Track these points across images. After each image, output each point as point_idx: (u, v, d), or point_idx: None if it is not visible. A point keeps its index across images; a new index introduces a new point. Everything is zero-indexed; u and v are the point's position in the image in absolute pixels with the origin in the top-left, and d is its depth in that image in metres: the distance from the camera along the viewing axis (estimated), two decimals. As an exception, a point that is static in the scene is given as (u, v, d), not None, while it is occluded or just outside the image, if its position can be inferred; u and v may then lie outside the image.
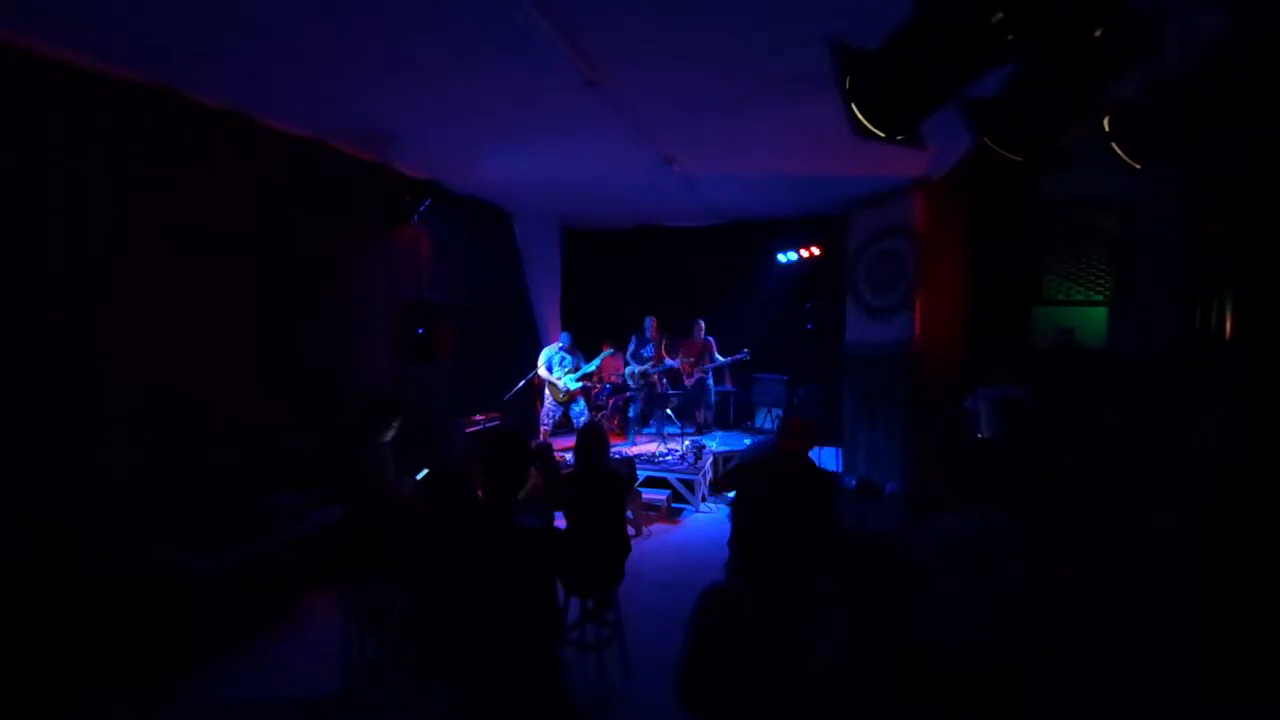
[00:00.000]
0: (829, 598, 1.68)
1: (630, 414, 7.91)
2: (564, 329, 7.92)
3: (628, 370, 7.81)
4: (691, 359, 7.91)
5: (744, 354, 7.68)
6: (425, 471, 4.58)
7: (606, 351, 7.61)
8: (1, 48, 3.13)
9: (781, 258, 8.72)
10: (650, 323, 7.87)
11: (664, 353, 7.81)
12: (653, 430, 7.95)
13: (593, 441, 3.41)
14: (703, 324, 8.02)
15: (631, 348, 7.89)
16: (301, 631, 3.91)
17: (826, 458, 7.34)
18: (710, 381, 8.05)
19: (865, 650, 1.71)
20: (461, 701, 1.97)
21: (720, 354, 7.87)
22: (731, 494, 6.92)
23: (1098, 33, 1.94)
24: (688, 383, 7.98)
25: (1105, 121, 2.53)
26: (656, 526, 6.12)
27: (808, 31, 3.03)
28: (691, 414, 8.20)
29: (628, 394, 7.95)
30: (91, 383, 3.53)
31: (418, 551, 2.78)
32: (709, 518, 6.44)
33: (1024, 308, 7.14)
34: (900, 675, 2.15)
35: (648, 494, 6.42)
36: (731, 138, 4.98)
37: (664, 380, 7.97)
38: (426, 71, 3.69)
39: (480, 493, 2.18)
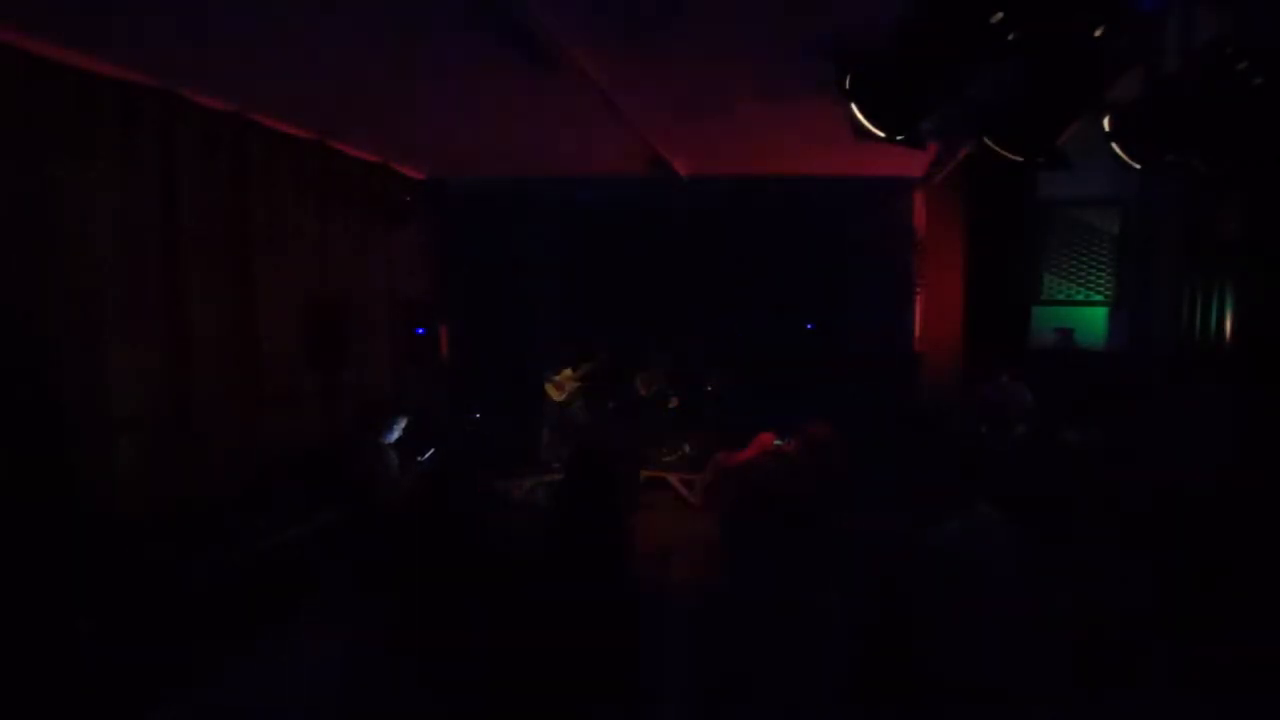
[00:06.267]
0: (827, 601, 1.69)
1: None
2: (562, 326, 7.79)
3: (638, 379, 7.67)
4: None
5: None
6: (430, 452, 4.59)
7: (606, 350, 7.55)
8: (1, 48, 3.12)
9: (780, 257, 8.70)
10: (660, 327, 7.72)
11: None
12: None
13: (593, 441, 3.40)
14: None
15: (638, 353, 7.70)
16: (301, 631, 3.89)
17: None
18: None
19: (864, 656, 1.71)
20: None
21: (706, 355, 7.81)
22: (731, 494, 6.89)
23: (1098, 33, 1.94)
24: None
25: (1105, 121, 2.53)
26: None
27: (808, 31, 3.03)
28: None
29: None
30: (90, 381, 3.52)
31: (416, 552, 2.78)
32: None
33: (1024, 308, 7.13)
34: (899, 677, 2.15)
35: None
36: (730, 138, 4.97)
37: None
38: (426, 73, 3.69)
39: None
